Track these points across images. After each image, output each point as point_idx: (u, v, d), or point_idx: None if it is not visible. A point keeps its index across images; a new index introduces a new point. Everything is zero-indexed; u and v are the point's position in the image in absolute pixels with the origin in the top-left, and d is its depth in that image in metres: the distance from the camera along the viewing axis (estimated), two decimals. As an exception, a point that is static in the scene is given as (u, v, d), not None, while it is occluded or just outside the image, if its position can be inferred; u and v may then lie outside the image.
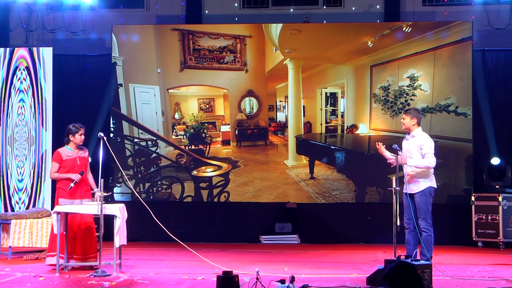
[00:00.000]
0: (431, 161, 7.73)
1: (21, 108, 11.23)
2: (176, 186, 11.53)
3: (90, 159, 8.29)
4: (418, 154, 7.80)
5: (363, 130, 11.35)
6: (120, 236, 7.65)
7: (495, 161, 10.85)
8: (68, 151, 8.10)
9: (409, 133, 7.95)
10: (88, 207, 7.70)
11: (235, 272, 6.29)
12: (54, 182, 8.34)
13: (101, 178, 7.54)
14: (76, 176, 7.93)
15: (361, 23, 11.63)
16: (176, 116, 11.78)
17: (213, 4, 12.16)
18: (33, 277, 7.39)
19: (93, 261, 7.93)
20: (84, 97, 11.77)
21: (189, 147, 11.68)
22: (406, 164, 7.73)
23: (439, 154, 7.89)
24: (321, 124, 11.55)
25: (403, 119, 7.96)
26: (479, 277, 7.45)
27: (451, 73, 11.14)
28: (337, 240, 11.11)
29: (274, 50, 11.63)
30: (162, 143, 11.67)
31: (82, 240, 8.00)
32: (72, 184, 7.89)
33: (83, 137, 8.15)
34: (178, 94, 11.83)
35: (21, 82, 11.21)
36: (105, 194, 7.58)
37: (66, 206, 7.80)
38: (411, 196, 7.80)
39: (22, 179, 11.15)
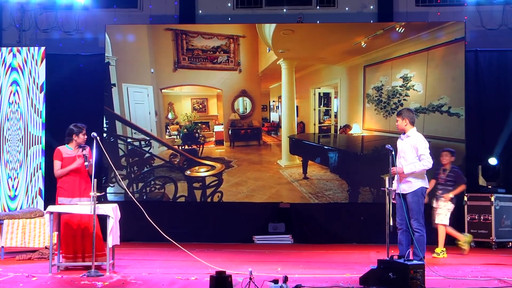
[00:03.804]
0: (427, 163, 7.75)
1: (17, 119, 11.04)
2: (169, 186, 11.52)
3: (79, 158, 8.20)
4: (412, 154, 7.81)
5: (356, 130, 11.37)
6: (113, 236, 7.64)
7: (493, 161, 10.89)
8: (68, 149, 8.11)
9: (404, 133, 7.97)
10: (82, 207, 7.69)
11: (228, 272, 6.30)
12: (54, 181, 8.31)
13: (94, 178, 7.54)
14: (77, 164, 7.94)
15: (354, 23, 11.65)
16: (170, 116, 11.77)
17: (206, 4, 12.16)
18: (25, 277, 7.37)
19: (89, 261, 7.92)
20: (77, 97, 11.73)
21: (183, 147, 11.68)
22: (404, 172, 7.73)
23: (432, 155, 7.90)
24: (315, 124, 11.57)
25: (396, 121, 8.01)
26: (472, 277, 7.47)
27: (444, 74, 11.18)
28: (330, 240, 11.12)
29: (268, 50, 11.64)
30: (156, 143, 11.66)
31: (84, 240, 7.99)
32: (87, 163, 7.92)
33: (86, 136, 8.16)
34: (172, 94, 11.83)
35: (15, 94, 11.11)
36: (98, 194, 7.57)
37: (58, 206, 7.79)
38: (403, 196, 7.81)
39: (15, 196, 10.68)
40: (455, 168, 9.74)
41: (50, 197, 10.86)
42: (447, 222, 9.49)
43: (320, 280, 7.22)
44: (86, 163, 7.98)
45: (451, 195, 9.48)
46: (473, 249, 10.43)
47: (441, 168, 9.67)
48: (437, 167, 9.58)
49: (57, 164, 8.05)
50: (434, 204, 9.58)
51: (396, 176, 7.80)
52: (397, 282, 6.38)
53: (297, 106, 11.60)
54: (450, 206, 9.52)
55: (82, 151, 8.13)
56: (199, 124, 11.78)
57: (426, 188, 7.91)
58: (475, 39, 11.46)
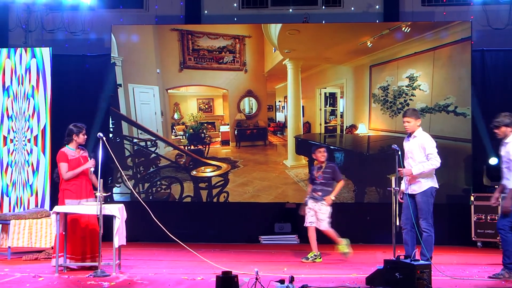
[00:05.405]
0: (435, 162, 7.76)
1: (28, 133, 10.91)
2: (175, 186, 11.53)
3: (91, 159, 8.25)
4: (420, 154, 7.81)
5: (362, 130, 11.35)
6: (119, 236, 7.66)
7: (493, 161, 10.85)
8: (71, 151, 8.12)
9: (409, 134, 7.95)
10: (88, 207, 7.70)
11: (235, 272, 6.30)
12: (56, 184, 8.33)
13: (100, 178, 7.55)
14: (91, 164, 7.97)
15: (360, 23, 11.64)
16: (176, 116, 11.78)
17: (212, 4, 12.17)
18: (32, 277, 7.40)
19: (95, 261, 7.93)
20: (83, 97, 11.76)
21: (188, 147, 11.68)
22: (412, 173, 7.71)
23: (438, 154, 7.89)
24: (320, 124, 11.56)
25: (408, 122, 7.90)
26: (478, 277, 7.46)
27: (450, 73, 11.15)
28: (336, 240, 11.10)
29: (273, 50, 11.64)
30: (161, 144, 11.67)
31: (92, 240, 8.01)
32: (92, 169, 7.94)
33: (86, 136, 8.19)
34: (177, 94, 11.84)
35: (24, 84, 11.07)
36: (105, 194, 7.58)
37: (65, 206, 7.81)
38: (412, 196, 7.80)
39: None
40: (331, 164, 9.32)
41: (55, 197, 10.91)
42: (328, 225, 9.04)
43: (326, 280, 7.22)
44: (92, 169, 8.00)
45: (333, 197, 9.08)
46: (480, 249, 10.42)
47: (316, 166, 9.25)
48: (312, 168, 9.35)
49: (64, 166, 8.05)
50: (310, 205, 9.13)
51: (404, 177, 7.81)
52: (403, 282, 6.37)
53: (303, 106, 11.59)
54: (330, 209, 9.07)
55: (84, 153, 8.20)
56: (205, 124, 11.78)
57: (436, 188, 7.88)
58: (482, 39, 11.42)
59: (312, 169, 9.35)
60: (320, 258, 9.03)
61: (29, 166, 10.81)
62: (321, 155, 9.16)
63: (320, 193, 9.07)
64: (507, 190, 7.51)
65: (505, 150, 7.64)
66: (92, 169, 8.03)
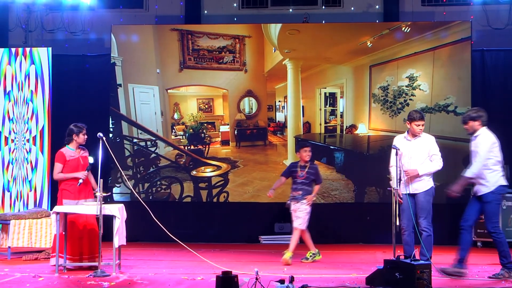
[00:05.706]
0: (440, 163, 7.82)
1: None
2: (175, 186, 11.53)
3: (92, 160, 8.24)
4: (424, 155, 7.81)
5: (362, 130, 11.35)
6: (119, 236, 7.66)
7: None
8: (70, 151, 8.14)
9: (409, 134, 7.94)
10: (88, 207, 7.71)
11: (235, 272, 6.30)
12: (56, 183, 8.33)
13: (100, 178, 7.55)
14: (82, 174, 7.98)
15: (360, 23, 11.64)
16: (175, 116, 11.78)
17: (212, 4, 12.17)
18: (32, 277, 7.40)
19: (94, 262, 7.94)
20: (83, 97, 11.75)
21: (188, 147, 11.68)
22: (419, 174, 7.72)
23: (443, 156, 7.91)
24: (320, 124, 11.56)
25: (423, 125, 7.87)
26: (479, 277, 7.46)
27: (450, 73, 11.15)
28: (336, 240, 11.11)
29: (273, 50, 11.64)
30: (161, 143, 11.68)
31: (90, 240, 8.01)
32: (81, 181, 7.93)
33: (86, 136, 8.20)
34: (177, 94, 11.84)
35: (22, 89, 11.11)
36: (105, 194, 7.59)
37: (65, 206, 7.81)
38: (412, 195, 7.79)
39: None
40: (315, 165, 9.26)
41: (55, 197, 10.90)
42: (305, 226, 8.96)
43: (326, 280, 7.22)
44: (80, 180, 7.99)
45: (314, 197, 9.06)
46: (480, 249, 10.41)
47: (298, 165, 9.12)
48: (294, 164, 9.27)
49: (58, 167, 8.06)
50: (293, 206, 9.03)
51: (404, 177, 7.79)
52: (403, 282, 6.37)
53: (303, 106, 11.59)
54: (309, 208, 9.01)
55: (84, 152, 8.22)
56: (205, 124, 11.78)
57: (434, 187, 7.92)
58: (481, 39, 11.42)
59: (292, 166, 9.25)
60: (319, 255, 9.04)
61: (28, 163, 10.86)
62: (306, 154, 9.07)
63: (300, 192, 9.00)
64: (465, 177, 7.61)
65: (474, 143, 7.66)
66: (81, 181, 8.00)
